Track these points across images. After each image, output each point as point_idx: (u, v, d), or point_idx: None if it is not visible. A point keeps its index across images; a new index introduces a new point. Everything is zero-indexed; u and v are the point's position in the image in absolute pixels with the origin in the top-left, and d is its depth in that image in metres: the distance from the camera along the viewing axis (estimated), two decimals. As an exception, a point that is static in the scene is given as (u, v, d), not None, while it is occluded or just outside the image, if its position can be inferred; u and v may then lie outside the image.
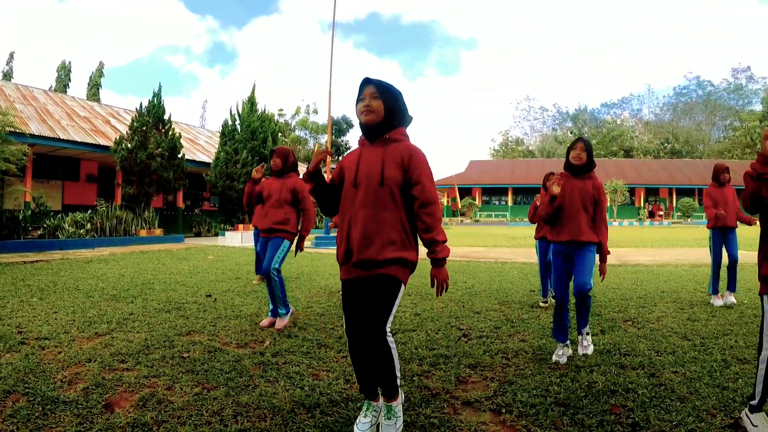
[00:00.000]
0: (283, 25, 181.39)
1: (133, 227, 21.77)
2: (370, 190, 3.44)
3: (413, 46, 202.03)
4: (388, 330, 3.43)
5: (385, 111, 3.49)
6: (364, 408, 3.55)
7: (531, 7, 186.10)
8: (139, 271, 11.84)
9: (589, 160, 5.41)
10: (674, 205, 67.50)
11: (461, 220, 61.89)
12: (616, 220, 60.84)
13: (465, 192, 70.10)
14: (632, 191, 67.25)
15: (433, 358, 5.25)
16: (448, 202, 70.54)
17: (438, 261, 3.42)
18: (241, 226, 24.96)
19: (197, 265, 13.37)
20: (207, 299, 8.36)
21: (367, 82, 3.56)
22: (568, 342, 5.35)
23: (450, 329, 6.55)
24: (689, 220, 61.39)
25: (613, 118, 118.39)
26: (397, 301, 3.51)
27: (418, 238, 3.56)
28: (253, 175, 6.60)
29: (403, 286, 3.52)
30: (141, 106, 24.40)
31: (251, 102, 29.63)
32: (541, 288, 8.33)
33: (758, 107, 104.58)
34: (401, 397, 3.65)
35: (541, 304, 8.20)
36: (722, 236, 8.75)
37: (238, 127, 28.89)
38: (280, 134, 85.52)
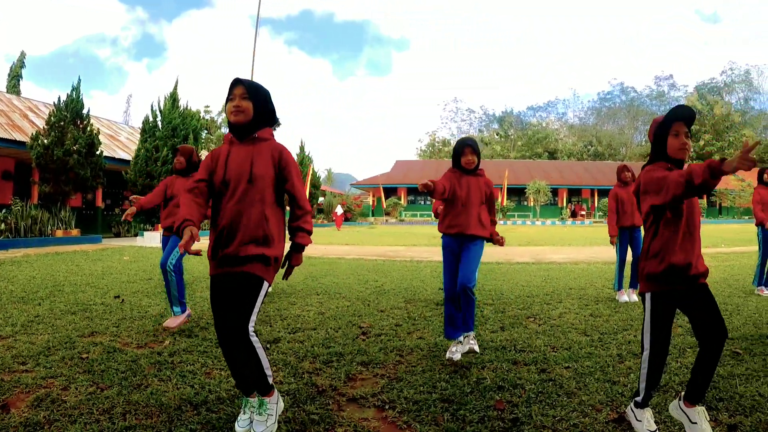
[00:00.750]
0: (214, 20, 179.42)
1: (49, 227, 21.05)
2: (238, 187, 3.49)
3: (345, 46, 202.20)
4: (251, 329, 3.48)
5: (254, 111, 3.58)
6: (243, 404, 3.61)
7: (463, 9, 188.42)
8: (50, 273, 11.58)
9: (478, 162, 5.58)
10: (596, 205, 69.25)
11: (386, 220, 62.06)
12: (538, 219, 62.05)
13: (391, 192, 70.33)
14: (555, 192, 68.63)
15: (328, 356, 5.31)
16: (373, 202, 70.78)
17: (298, 246, 3.58)
18: (160, 226, 24.35)
19: (111, 266, 13.12)
20: (115, 300, 8.28)
21: (237, 82, 3.63)
22: (461, 338, 5.41)
23: (350, 327, 6.63)
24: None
25: (539, 121, 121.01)
26: (259, 300, 3.53)
27: (286, 234, 3.67)
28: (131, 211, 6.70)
29: (265, 284, 3.54)
30: (59, 100, 23.52)
31: (173, 98, 28.88)
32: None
33: None
34: (276, 394, 3.69)
35: None
36: (629, 235, 8.99)
37: (159, 123, 28.17)
38: (205, 131, 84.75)
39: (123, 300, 8.33)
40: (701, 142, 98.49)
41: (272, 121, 3.77)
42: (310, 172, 47.34)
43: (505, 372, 4.86)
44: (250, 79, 3.76)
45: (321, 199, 61.95)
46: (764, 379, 4.67)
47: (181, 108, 28.97)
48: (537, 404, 4.05)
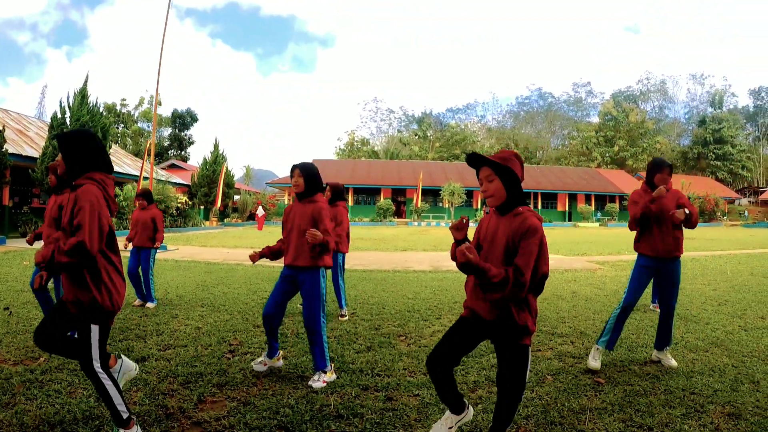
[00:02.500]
0: (137, 8, 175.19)
1: None
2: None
3: (270, 41, 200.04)
4: (96, 367, 3.75)
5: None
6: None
7: (388, 9, 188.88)
8: None
9: (308, 186, 5.84)
10: (510, 207, 70.61)
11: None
12: (453, 221, 62.77)
13: (308, 190, 69.68)
14: (470, 194, 69.54)
15: (188, 376, 5.47)
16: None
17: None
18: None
19: (8, 273, 12.87)
20: (3, 312, 8.30)
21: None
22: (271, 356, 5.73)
23: (221, 345, 6.76)
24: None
25: (458, 122, 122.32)
26: (93, 341, 3.78)
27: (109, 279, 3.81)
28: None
29: (93, 327, 3.80)
30: None
31: (82, 94, 28.27)
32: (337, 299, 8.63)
33: (595, 119, 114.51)
34: (135, 428, 3.91)
35: (340, 318, 8.50)
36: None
37: (68, 120, 27.49)
38: (122, 125, 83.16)
39: (11, 313, 8.32)
40: (615, 148, 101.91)
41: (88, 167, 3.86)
42: (224, 170, 47.16)
43: (351, 398, 5.00)
44: None
45: (236, 197, 61.69)
46: (617, 414, 4.75)
47: (91, 104, 28.35)
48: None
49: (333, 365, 5.82)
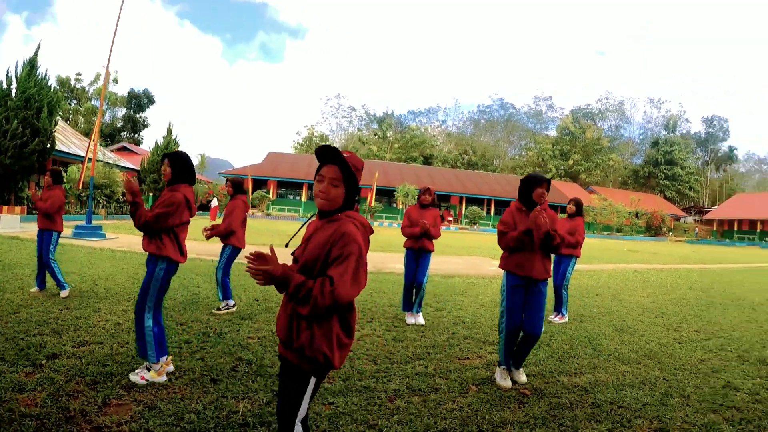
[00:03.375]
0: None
1: None
2: None
3: (239, 26, 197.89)
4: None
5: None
6: None
7: (361, 6, 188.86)
8: None
9: (174, 175, 5.58)
10: (463, 212, 71.23)
11: (252, 213, 60.81)
12: (398, 221, 63.14)
13: (261, 184, 69.58)
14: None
15: (97, 376, 5.24)
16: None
17: None
18: (6, 208, 23.17)
19: None
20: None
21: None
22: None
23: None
24: (476, 226, 65.24)
25: (418, 125, 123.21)
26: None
27: None
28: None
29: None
30: None
31: (32, 65, 27.25)
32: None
33: (553, 133, 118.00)
34: None
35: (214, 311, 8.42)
36: (415, 258, 8.84)
37: (13, 92, 26.45)
38: (74, 101, 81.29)
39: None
40: (570, 162, 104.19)
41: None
42: (176, 157, 46.33)
43: (263, 405, 4.85)
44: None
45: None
46: (540, 428, 4.69)
47: (40, 76, 27.42)
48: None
49: (165, 365, 5.46)
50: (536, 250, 5.90)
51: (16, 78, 26.99)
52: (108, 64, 22.54)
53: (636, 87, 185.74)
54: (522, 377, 6.07)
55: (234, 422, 4.45)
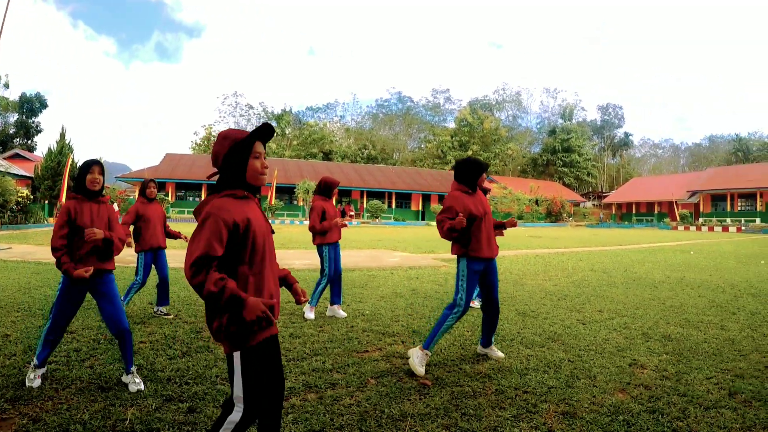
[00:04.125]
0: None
1: None
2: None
3: (134, 26, 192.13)
4: None
5: None
6: None
7: (257, 3, 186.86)
8: None
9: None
10: (365, 206, 71.58)
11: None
12: (306, 219, 63.05)
13: (159, 186, 68.07)
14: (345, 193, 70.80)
15: None
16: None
17: None
18: None
19: None
20: None
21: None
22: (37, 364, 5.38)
23: (27, 354, 6.25)
24: (378, 220, 65.70)
25: (317, 121, 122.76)
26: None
27: None
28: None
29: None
30: None
31: None
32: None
33: (451, 124, 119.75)
34: None
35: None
36: (336, 250, 8.92)
37: None
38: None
39: None
40: (469, 152, 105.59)
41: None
42: (69, 162, 45.15)
43: (151, 411, 4.70)
44: None
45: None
46: (441, 420, 4.60)
47: None
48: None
49: None
50: (489, 232, 6.22)
51: None
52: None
53: (532, 76, 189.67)
54: (498, 353, 6.42)
55: (122, 430, 4.36)
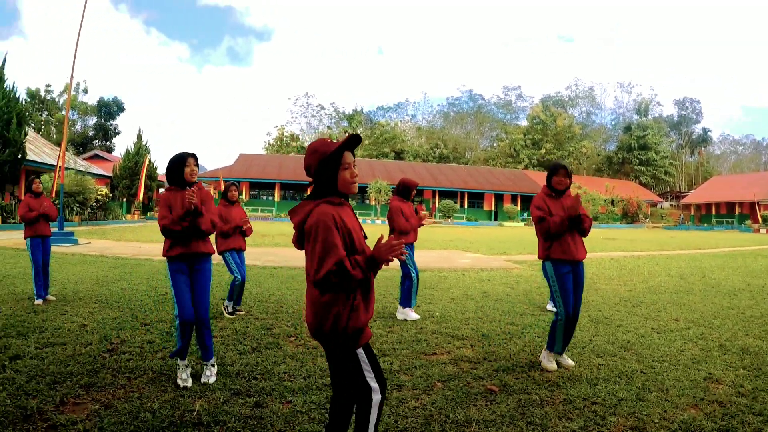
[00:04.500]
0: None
1: None
2: None
3: (205, 32, 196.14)
4: None
5: None
6: None
7: (325, 5, 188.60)
8: None
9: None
10: (437, 206, 71.36)
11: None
12: (378, 218, 63.23)
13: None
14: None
15: (57, 376, 5.32)
16: (215, 195, 69.79)
17: None
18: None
19: None
20: None
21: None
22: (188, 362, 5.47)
23: (102, 343, 6.53)
24: (450, 220, 65.45)
25: (388, 120, 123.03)
26: None
27: None
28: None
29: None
30: None
31: None
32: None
33: (524, 122, 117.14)
34: None
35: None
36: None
37: None
38: (45, 112, 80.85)
39: None
40: (542, 151, 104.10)
41: None
42: (146, 162, 46.36)
43: (219, 404, 4.77)
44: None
45: (161, 190, 60.59)
46: (506, 427, 4.46)
47: (7, 88, 27.51)
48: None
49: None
50: (574, 234, 6.19)
51: (-16, 92, 26.74)
52: (72, 73, 22.49)
53: (605, 71, 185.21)
54: (569, 361, 6.24)
55: (188, 421, 4.42)
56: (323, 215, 3.24)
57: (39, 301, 8.89)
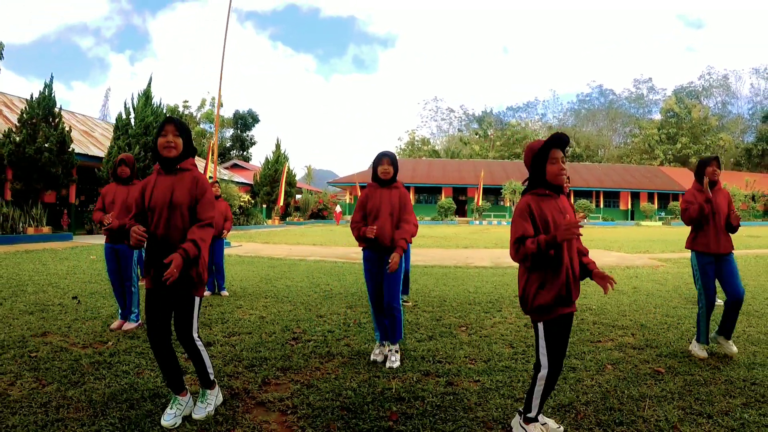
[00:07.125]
0: (198, 13, 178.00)
1: (21, 225, 21.13)
2: (162, 213, 4.04)
3: (330, 42, 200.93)
4: (195, 335, 4.14)
5: (183, 146, 4.17)
6: (171, 401, 4.11)
7: (449, 9, 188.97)
8: (17, 272, 11.82)
9: (395, 173, 6.07)
10: (573, 206, 69.95)
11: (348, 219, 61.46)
12: (507, 219, 62.78)
13: (369, 190, 70.04)
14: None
15: (252, 360, 5.63)
16: (350, 200, 70.87)
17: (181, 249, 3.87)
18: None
19: (76, 266, 13.30)
20: (72, 301, 8.57)
21: (169, 120, 4.15)
22: (384, 342, 5.83)
23: (284, 333, 6.89)
24: (586, 220, 64.26)
25: (518, 121, 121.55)
26: (195, 312, 4.20)
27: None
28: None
29: (196, 298, 4.19)
30: (31, 97, 23.62)
31: (146, 95, 28.75)
32: None
33: (657, 116, 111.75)
34: (217, 389, 4.38)
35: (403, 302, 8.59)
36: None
37: (132, 121, 28.04)
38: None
39: (79, 301, 8.61)
40: (678, 145, 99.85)
41: (194, 152, 4.28)
42: (285, 170, 47.69)
43: (413, 383, 5.06)
44: (179, 119, 4.25)
45: (298, 196, 62.26)
46: (677, 402, 4.67)
47: (155, 105, 28.95)
48: (430, 417, 4.24)
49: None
50: (718, 228, 6.26)
51: (134, 108, 28.49)
52: (219, 91, 23.36)
53: (739, 57, 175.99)
54: (733, 348, 6.20)
55: (389, 397, 4.68)
56: (520, 204, 3.88)
57: (208, 293, 9.60)
